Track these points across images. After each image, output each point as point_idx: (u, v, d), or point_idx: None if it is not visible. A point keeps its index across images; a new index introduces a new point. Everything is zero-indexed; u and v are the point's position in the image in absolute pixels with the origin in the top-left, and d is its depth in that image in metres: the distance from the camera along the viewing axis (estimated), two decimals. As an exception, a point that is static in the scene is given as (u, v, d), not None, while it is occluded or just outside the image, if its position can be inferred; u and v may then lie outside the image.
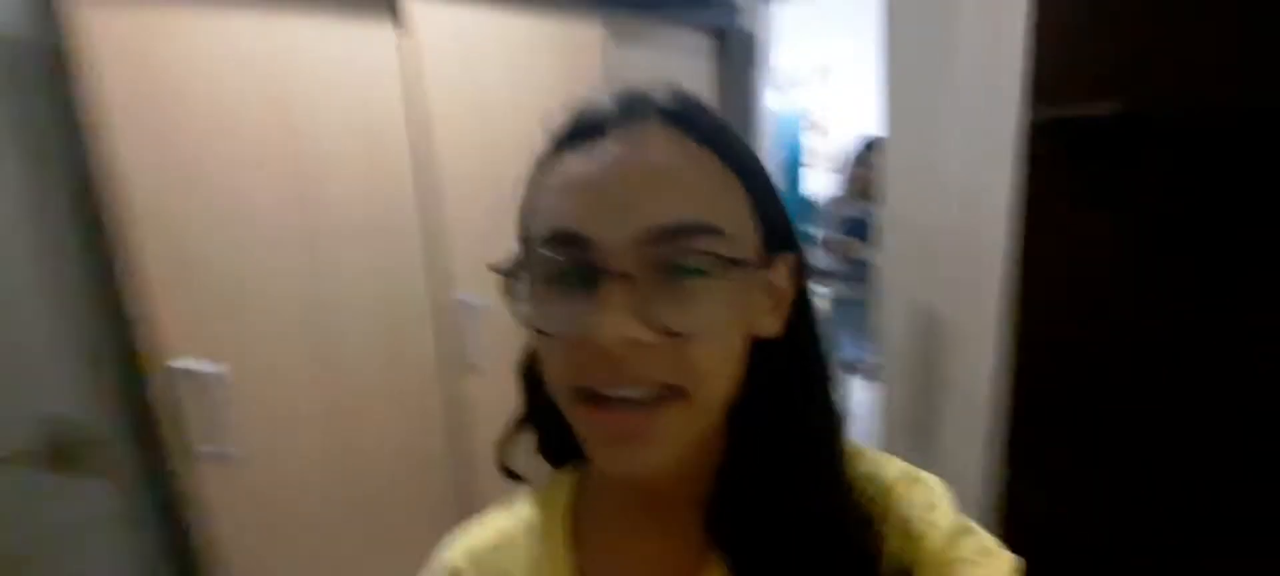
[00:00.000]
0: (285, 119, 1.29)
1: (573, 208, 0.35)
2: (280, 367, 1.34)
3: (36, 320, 1.18)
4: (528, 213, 0.39)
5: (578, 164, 0.36)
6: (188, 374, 1.21)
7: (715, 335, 0.36)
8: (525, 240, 0.38)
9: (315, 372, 1.39)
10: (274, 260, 1.31)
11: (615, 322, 0.33)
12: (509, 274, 0.38)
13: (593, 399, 0.36)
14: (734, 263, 0.35)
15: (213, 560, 1.30)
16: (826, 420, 0.42)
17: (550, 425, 0.46)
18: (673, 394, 0.36)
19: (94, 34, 1.07)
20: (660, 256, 0.34)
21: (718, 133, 0.38)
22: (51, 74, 1.11)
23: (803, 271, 0.41)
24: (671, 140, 0.36)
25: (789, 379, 0.40)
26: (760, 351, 0.39)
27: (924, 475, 0.43)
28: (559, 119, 0.39)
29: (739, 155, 0.38)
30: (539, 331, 0.36)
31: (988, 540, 0.40)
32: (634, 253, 0.34)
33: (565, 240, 0.35)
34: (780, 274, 0.39)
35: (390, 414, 1.51)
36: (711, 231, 0.35)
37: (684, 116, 0.37)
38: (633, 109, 0.37)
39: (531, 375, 0.46)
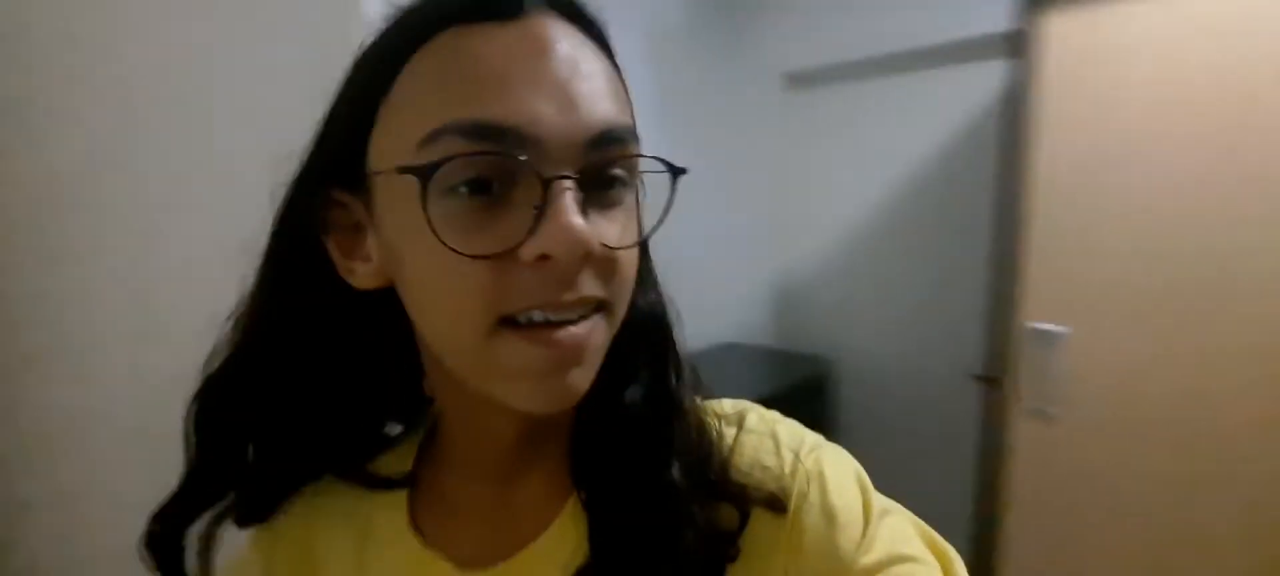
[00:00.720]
0: (1245, 93, 1.23)
1: (511, 94, 0.29)
2: (1123, 337, 1.36)
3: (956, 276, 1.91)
4: (419, 98, 0.31)
5: (498, 42, 0.30)
6: (1039, 334, 1.40)
7: (629, 249, 0.34)
8: (431, 135, 0.30)
9: (1160, 349, 1.33)
10: (1163, 237, 1.30)
11: (578, 223, 0.29)
12: (420, 176, 0.29)
13: (522, 326, 0.31)
14: (637, 176, 0.34)
15: (1013, 507, 1.47)
16: (667, 329, 0.41)
17: (257, 472, 0.41)
18: (598, 310, 0.33)
19: (1048, 24, 1.28)
20: (596, 161, 0.31)
21: (602, 27, 0.35)
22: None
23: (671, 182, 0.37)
24: (578, 33, 0.33)
25: (636, 302, 0.38)
26: None
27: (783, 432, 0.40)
28: None
29: (615, 60, 0.36)
30: (459, 253, 0.30)
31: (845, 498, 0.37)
32: (582, 155, 0.31)
33: (500, 132, 0.29)
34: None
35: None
36: (634, 137, 0.33)
37: (577, 7, 0.34)
38: None
39: (216, 414, 0.39)
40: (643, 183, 0.36)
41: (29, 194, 0.82)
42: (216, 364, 0.39)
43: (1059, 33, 1.35)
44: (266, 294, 0.38)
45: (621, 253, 0.33)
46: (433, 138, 0.30)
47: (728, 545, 0.35)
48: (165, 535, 0.40)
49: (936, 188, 2.13)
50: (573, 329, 0.31)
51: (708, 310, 2.58)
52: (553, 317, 0.31)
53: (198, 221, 0.77)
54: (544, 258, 0.30)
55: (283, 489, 0.45)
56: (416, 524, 0.42)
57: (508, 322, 0.31)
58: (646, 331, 0.39)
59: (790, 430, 0.41)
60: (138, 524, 0.40)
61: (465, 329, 0.31)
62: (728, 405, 0.43)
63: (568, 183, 0.30)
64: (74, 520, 0.89)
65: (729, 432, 0.40)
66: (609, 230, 0.32)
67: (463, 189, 0.30)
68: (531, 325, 0.31)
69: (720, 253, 2.60)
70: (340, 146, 0.34)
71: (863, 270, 2.37)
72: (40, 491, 0.88)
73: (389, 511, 0.42)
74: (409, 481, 0.43)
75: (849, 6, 2.25)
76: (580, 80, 0.31)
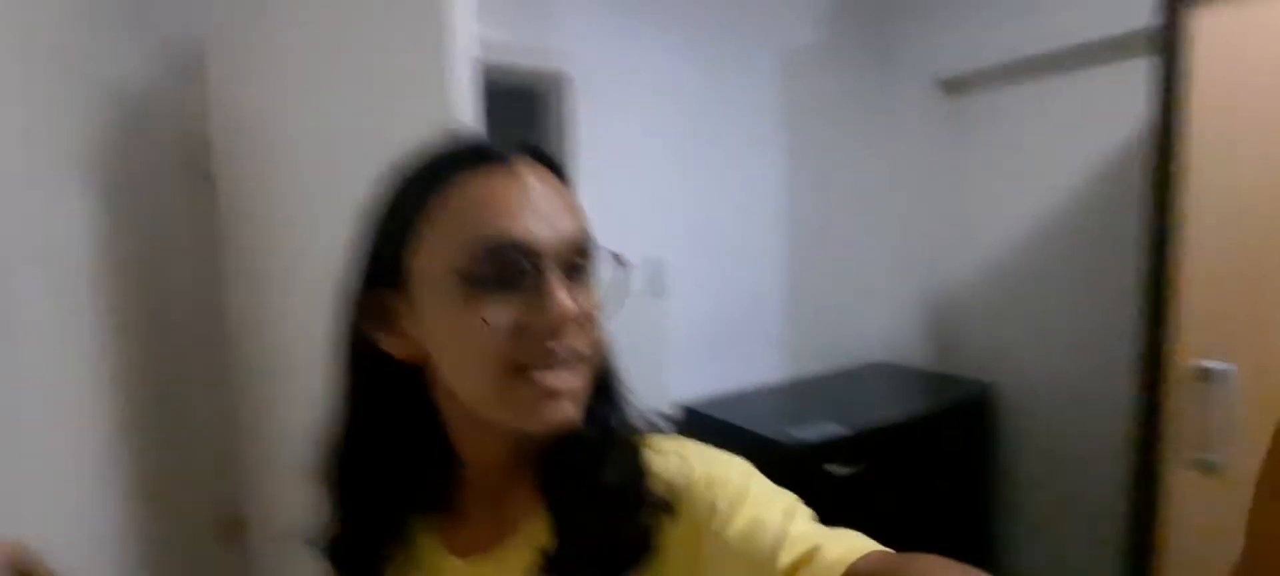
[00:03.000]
0: None
1: (515, 219, 0.43)
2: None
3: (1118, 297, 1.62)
4: (446, 225, 0.44)
5: (499, 183, 0.44)
6: (1203, 372, 1.21)
7: (597, 314, 0.48)
8: (461, 248, 0.43)
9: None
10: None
11: (567, 301, 0.43)
12: (461, 275, 0.43)
13: (528, 374, 0.44)
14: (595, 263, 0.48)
15: (1172, 567, 1.29)
16: (610, 377, 0.52)
17: (361, 526, 0.54)
18: (581, 359, 0.46)
19: (1197, 28, 1.17)
20: (570, 257, 0.45)
21: (561, 167, 0.49)
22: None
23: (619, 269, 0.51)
24: (545, 172, 0.47)
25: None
26: None
27: (714, 465, 0.48)
28: (435, 149, 0.47)
29: (574, 188, 0.50)
30: (489, 324, 0.42)
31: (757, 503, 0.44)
32: (561, 255, 0.45)
33: (514, 246, 0.43)
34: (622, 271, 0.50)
35: None
36: (592, 239, 0.47)
37: (544, 154, 0.49)
38: (520, 147, 0.47)
39: (344, 473, 0.53)
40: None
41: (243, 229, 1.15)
42: (332, 435, 0.54)
43: (1210, 30, 1.16)
44: (347, 374, 0.53)
45: (592, 317, 0.46)
46: (466, 249, 0.43)
47: (648, 537, 0.47)
48: (327, 552, 0.56)
49: (1099, 198, 1.87)
50: (563, 373, 0.44)
51: (857, 327, 2.52)
52: (549, 367, 0.44)
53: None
54: (548, 324, 0.43)
55: (382, 529, 0.56)
56: (439, 531, 0.56)
57: (518, 371, 0.44)
58: (597, 379, 0.50)
59: (698, 452, 0.51)
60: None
61: (489, 377, 0.44)
62: (665, 440, 0.53)
63: (556, 273, 0.44)
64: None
65: (654, 457, 0.51)
66: (584, 301, 0.46)
67: (489, 281, 0.43)
68: (534, 373, 0.44)
69: (871, 268, 2.52)
70: (382, 257, 0.48)
71: (1021, 288, 2.14)
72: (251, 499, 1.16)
73: (412, 529, 0.56)
74: (443, 505, 0.56)
75: (1002, 6, 2.06)
76: (553, 205, 0.45)
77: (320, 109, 1.10)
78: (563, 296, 0.43)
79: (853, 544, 0.41)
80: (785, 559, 0.41)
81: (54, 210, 0.93)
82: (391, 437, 0.53)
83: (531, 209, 0.44)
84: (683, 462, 0.49)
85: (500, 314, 0.43)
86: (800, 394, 2.23)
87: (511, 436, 0.49)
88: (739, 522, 0.43)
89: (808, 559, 0.40)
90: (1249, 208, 1.15)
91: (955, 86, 2.27)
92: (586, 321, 0.46)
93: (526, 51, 1.78)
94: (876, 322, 2.53)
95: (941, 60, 2.25)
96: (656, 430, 0.54)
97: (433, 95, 0.90)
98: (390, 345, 0.49)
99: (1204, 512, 1.23)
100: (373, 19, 0.99)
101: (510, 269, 0.43)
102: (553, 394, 0.44)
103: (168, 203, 1.34)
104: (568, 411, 0.45)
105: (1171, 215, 1.23)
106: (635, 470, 0.48)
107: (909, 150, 2.40)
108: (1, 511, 0.59)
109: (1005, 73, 2.10)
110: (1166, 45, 1.22)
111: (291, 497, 1.30)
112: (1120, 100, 1.76)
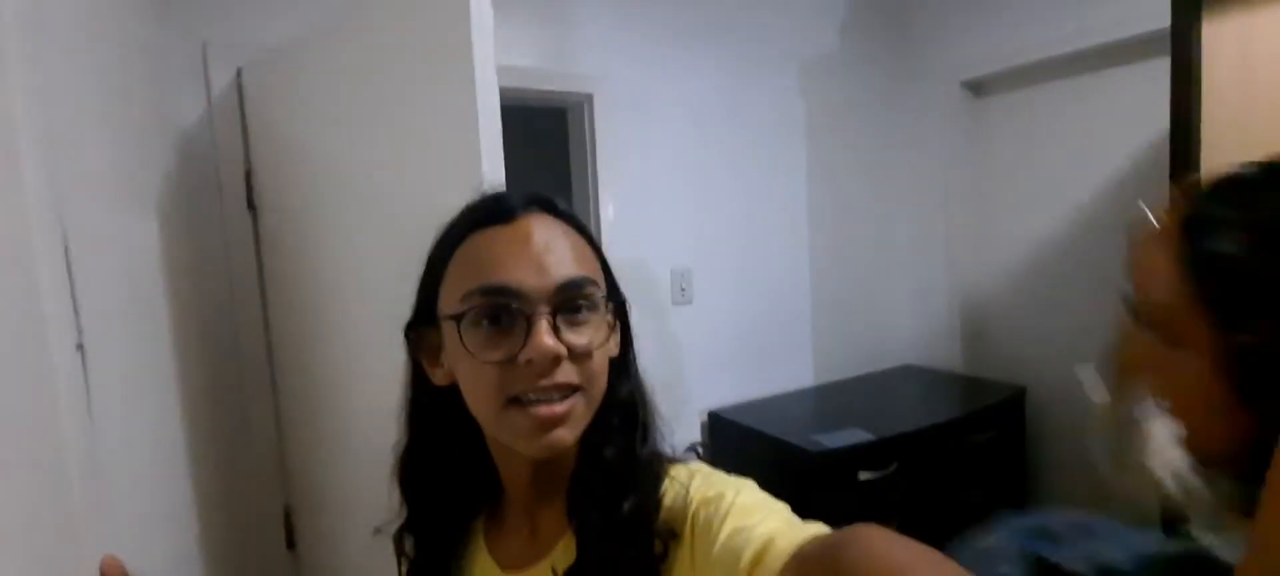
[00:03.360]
0: None
1: (506, 269, 0.49)
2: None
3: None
4: (457, 275, 0.51)
5: (501, 238, 0.51)
6: None
7: (597, 350, 0.52)
8: (464, 296, 0.49)
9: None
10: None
11: (549, 343, 0.48)
12: (456, 320, 0.49)
13: (522, 403, 0.49)
14: (601, 302, 0.52)
15: None
16: (639, 410, 0.56)
17: (424, 523, 0.60)
18: (575, 392, 0.50)
19: (1207, 34, 1.19)
20: (564, 300, 0.50)
21: (574, 217, 0.55)
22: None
23: (623, 312, 0.56)
24: (554, 222, 0.53)
25: (618, 388, 0.55)
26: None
27: (718, 485, 0.51)
28: (465, 209, 0.55)
29: (588, 233, 0.56)
30: (481, 360, 0.49)
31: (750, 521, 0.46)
32: (552, 298, 0.49)
33: (501, 292, 0.49)
34: (612, 311, 0.54)
35: None
36: (591, 282, 0.52)
37: (554, 206, 0.54)
38: (529, 202, 0.53)
39: (409, 477, 0.59)
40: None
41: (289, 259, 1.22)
42: (401, 444, 0.61)
43: (1220, 35, 1.16)
44: (408, 393, 0.60)
45: (592, 350, 0.51)
46: (466, 297, 0.50)
47: (658, 563, 0.51)
48: (399, 544, 0.62)
49: (1128, 196, 1.85)
50: (553, 406, 0.49)
51: (885, 332, 2.52)
52: (539, 398, 0.49)
53: (386, 289, 1.09)
54: (530, 361, 0.48)
55: (442, 528, 0.62)
56: (486, 537, 0.62)
57: (514, 402, 0.49)
58: (623, 410, 0.56)
59: (706, 477, 0.55)
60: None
61: (488, 406, 0.50)
62: (682, 468, 0.57)
63: (542, 315, 0.48)
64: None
65: (670, 484, 0.55)
66: (577, 338, 0.50)
67: (483, 322, 0.50)
68: (527, 403, 0.49)
69: (897, 271, 2.52)
70: (424, 303, 0.56)
71: (1050, 290, 2.13)
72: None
73: (472, 532, 0.63)
74: (490, 506, 0.63)
75: (1026, 7, 2.06)
76: (550, 254, 0.50)
77: (352, 142, 1.18)
78: (544, 336, 0.47)
79: (805, 532, 0.43)
80: (747, 556, 0.43)
81: (132, 234, 1.02)
82: (445, 449, 0.59)
83: (524, 258, 0.49)
84: (689, 489, 0.53)
85: (491, 352, 0.49)
86: (828, 399, 2.24)
87: (529, 458, 0.53)
88: (722, 536, 0.46)
89: (763, 553, 0.43)
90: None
91: (980, 88, 2.27)
92: (580, 356, 0.50)
93: (553, 77, 1.84)
94: (904, 327, 2.53)
95: (965, 62, 2.25)
96: (680, 460, 0.58)
97: (460, 130, 0.96)
98: (433, 374, 0.56)
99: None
100: (402, 59, 1.06)
101: (500, 311, 0.49)
102: (542, 423, 0.49)
103: (215, 229, 1.45)
104: (561, 438, 0.50)
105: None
106: (652, 498, 0.52)
107: (934, 153, 2.40)
108: (97, 522, 0.66)
109: (1030, 74, 2.09)
110: (1178, 50, 1.22)
111: (331, 495, 1.39)
112: (1146, 100, 1.74)
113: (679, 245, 2.07)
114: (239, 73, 1.44)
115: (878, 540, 0.36)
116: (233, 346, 1.48)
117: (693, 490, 0.52)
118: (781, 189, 2.29)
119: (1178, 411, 0.46)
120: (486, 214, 0.53)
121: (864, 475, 1.72)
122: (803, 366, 2.37)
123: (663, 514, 0.52)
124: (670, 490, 0.54)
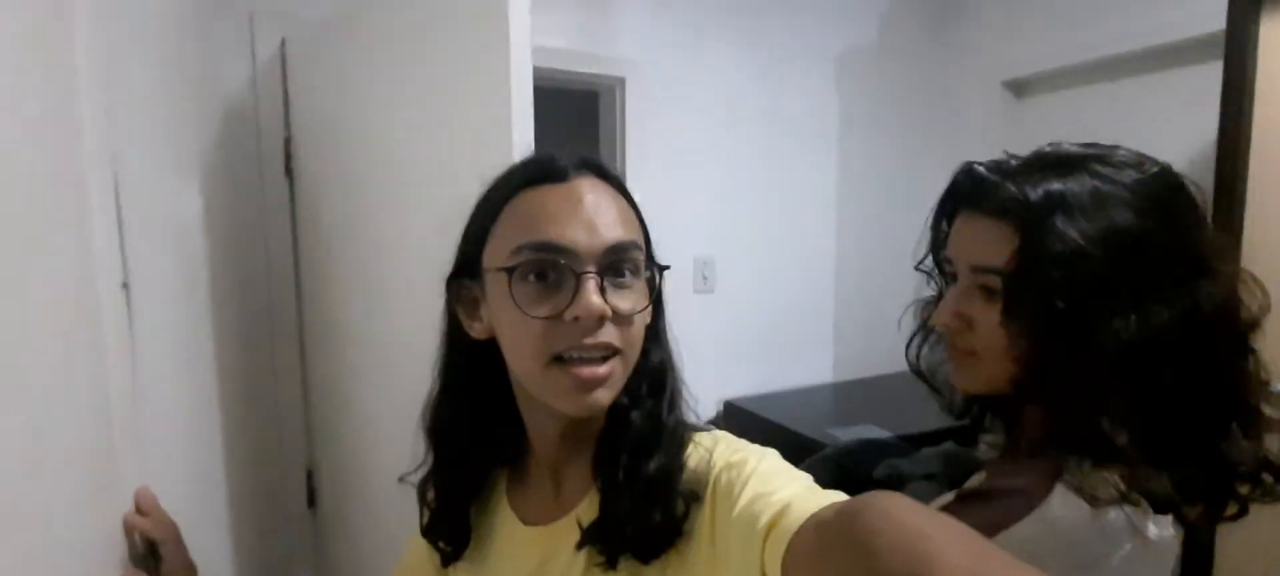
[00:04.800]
0: None
1: (558, 226, 0.50)
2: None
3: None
4: (507, 229, 0.52)
5: (554, 197, 0.51)
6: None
7: (638, 316, 0.52)
8: (515, 250, 0.50)
9: None
10: None
11: (597, 301, 0.48)
12: (508, 272, 0.50)
13: (565, 361, 0.50)
14: (643, 267, 0.53)
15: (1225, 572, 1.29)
16: (667, 377, 0.57)
17: (449, 471, 0.62)
18: (615, 354, 0.51)
19: (1263, 37, 1.19)
20: (611, 262, 0.51)
21: (621, 182, 0.56)
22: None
23: (658, 280, 0.56)
24: (604, 186, 0.54)
25: (650, 354, 0.56)
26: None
27: (741, 454, 0.52)
28: (515, 165, 0.56)
29: (633, 200, 0.56)
30: (528, 315, 0.49)
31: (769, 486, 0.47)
32: (600, 259, 0.50)
33: (553, 248, 0.49)
34: (653, 279, 0.55)
35: None
36: (636, 247, 0.52)
37: (604, 170, 0.55)
38: (581, 164, 0.53)
39: (437, 426, 0.60)
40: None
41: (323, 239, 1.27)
42: (431, 393, 0.63)
43: (1274, 40, 1.12)
44: (443, 346, 0.62)
45: (634, 314, 0.51)
46: (517, 251, 0.50)
47: (679, 524, 0.52)
48: (422, 492, 0.65)
49: None
50: (596, 368, 0.50)
51: (908, 333, 2.48)
52: (582, 356, 0.50)
53: (414, 258, 1.12)
54: (576, 318, 0.49)
55: (467, 477, 0.64)
56: (508, 494, 0.63)
57: (556, 360, 0.50)
58: (653, 376, 0.57)
59: (729, 444, 0.56)
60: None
61: (532, 361, 0.51)
62: (706, 436, 0.58)
63: (590, 275, 0.49)
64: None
65: (693, 451, 0.56)
66: (621, 302, 0.51)
67: (531, 277, 0.50)
68: (570, 361, 0.50)
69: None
70: (467, 255, 0.56)
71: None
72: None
73: (495, 485, 0.65)
74: (512, 462, 0.66)
75: (1073, 7, 2.01)
76: (600, 215, 0.51)
77: (389, 115, 1.21)
78: (592, 295, 0.48)
79: (824, 498, 0.43)
80: (764, 520, 0.44)
81: (177, 191, 1.07)
82: (475, 402, 0.61)
83: (576, 218, 0.50)
84: (712, 454, 0.54)
85: (539, 308, 0.49)
86: (847, 396, 2.23)
87: (561, 416, 0.54)
88: (742, 500, 0.47)
89: (779, 517, 0.43)
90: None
91: (1021, 89, 2.22)
92: (622, 320, 0.51)
93: (587, 59, 1.86)
94: (929, 328, 2.49)
95: (1007, 62, 2.20)
96: (703, 427, 0.59)
97: (494, 103, 0.98)
98: (471, 327, 0.57)
99: (1270, 535, 1.19)
100: (440, 35, 1.08)
101: (548, 268, 0.50)
102: (584, 383, 0.50)
103: (253, 193, 1.50)
104: (600, 399, 0.51)
105: (1235, 226, 1.19)
106: (675, 462, 0.54)
107: (971, 154, 2.33)
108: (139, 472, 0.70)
109: (1073, 76, 2.04)
110: (1233, 53, 1.18)
111: (353, 459, 1.44)
112: (1193, 106, 1.69)
113: (703, 233, 2.07)
114: (283, 43, 1.49)
115: (894, 506, 0.36)
116: (265, 305, 1.54)
117: (716, 455, 0.53)
118: (811, 183, 2.27)
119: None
120: (540, 171, 0.53)
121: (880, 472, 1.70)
122: (822, 362, 2.36)
123: (686, 476, 0.53)
124: (694, 454, 0.55)
